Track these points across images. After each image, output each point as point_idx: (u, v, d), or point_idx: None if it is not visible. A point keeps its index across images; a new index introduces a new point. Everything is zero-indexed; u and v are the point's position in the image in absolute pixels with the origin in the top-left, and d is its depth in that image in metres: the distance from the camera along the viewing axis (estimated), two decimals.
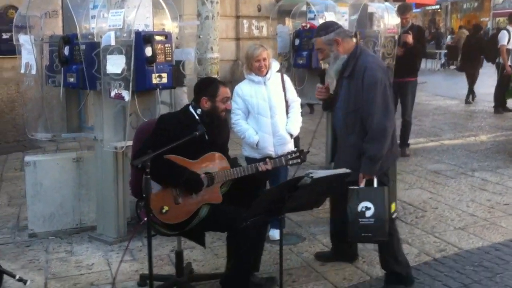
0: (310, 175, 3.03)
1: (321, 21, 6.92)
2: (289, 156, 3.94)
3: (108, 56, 4.56)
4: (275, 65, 5.03)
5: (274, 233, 4.99)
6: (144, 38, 4.54)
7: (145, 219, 3.49)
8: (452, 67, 22.19)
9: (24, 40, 5.30)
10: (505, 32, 11.36)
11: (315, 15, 7.10)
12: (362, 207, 3.78)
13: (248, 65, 5.00)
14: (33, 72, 5.34)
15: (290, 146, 4.99)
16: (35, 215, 5.32)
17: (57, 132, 5.48)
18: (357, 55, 3.93)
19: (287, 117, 5.01)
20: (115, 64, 4.52)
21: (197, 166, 3.74)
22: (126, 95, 4.52)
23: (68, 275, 4.50)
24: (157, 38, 4.64)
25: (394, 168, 5.30)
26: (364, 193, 3.82)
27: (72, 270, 4.59)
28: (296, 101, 5.10)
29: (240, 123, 4.96)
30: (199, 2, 6.22)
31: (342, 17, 7.23)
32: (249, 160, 4.92)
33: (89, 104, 5.28)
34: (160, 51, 4.66)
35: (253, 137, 4.91)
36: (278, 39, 7.42)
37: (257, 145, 4.92)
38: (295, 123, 5.04)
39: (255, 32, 13.17)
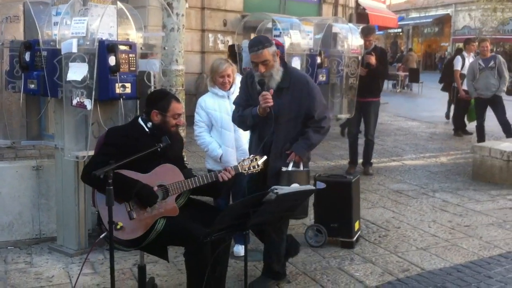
0: (275, 191, 3.02)
1: (286, 38, 7.01)
2: (247, 162, 3.89)
3: (70, 64, 4.47)
4: (239, 79, 5.01)
5: (239, 249, 4.96)
6: (108, 47, 4.48)
7: (105, 233, 3.41)
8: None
9: None
10: (459, 57, 11.70)
11: (280, 33, 7.15)
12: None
13: (213, 78, 5.00)
14: None
15: None
16: None
17: (17, 139, 5.33)
18: (288, 68, 4.28)
19: None
20: (77, 72, 4.43)
21: (149, 179, 3.67)
22: (88, 104, 4.43)
23: (28, 287, 4.36)
24: (121, 47, 4.60)
25: (358, 186, 5.39)
26: (294, 175, 4.08)
27: (32, 282, 4.45)
28: None
29: (203, 136, 4.94)
30: (164, 13, 6.18)
31: (307, 35, 7.30)
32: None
33: (50, 112, 5.15)
34: (124, 61, 4.61)
35: (217, 150, 4.90)
36: (243, 54, 7.42)
37: (220, 158, 4.91)
38: None
39: (220, 46, 13.21)
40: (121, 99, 4.60)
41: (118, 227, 3.50)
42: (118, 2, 4.90)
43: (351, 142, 8.33)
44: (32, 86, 4.85)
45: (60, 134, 4.81)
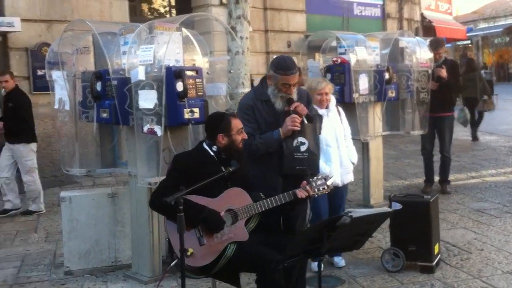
0: (349, 214, 2.89)
1: (352, 55, 6.86)
2: (318, 182, 3.79)
3: (140, 91, 4.53)
4: (333, 98, 5.19)
5: (315, 265, 4.83)
6: (175, 73, 4.52)
7: (175, 260, 3.37)
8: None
9: (57, 76, 5.33)
10: None
11: (345, 50, 7.01)
12: (297, 142, 4.09)
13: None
14: (67, 107, 5.36)
15: (351, 176, 5.21)
16: (71, 252, 5.28)
17: (92, 168, 5.43)
18: None
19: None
20: (147, 99, 4.49)
21: (218, 204, 3.61)
22: (159, 130, 4.46)
23: None
24: (188, 73, 4.62)
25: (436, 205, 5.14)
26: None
27: None
28: (349, 132, 5.30)
29: None
30: (229, 38, 6.21)
31: (373, 51, 7.13)
32: None
33: (123, 139, 5.24)
34: (191, 86, 4.64)
35: (324, 168, 4.86)
36: (309, 74, 7.35)
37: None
38: (354, 152, 5.26)
39: None
40: (190, 124, 4.61)
41: (189, 253, 3.45)
42: (183, 29, 4.96)
43: (426, 159, 8.02)
44: (105, 115, 4.95)
45: (133, 161, 4.87)
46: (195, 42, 5.10)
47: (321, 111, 4.91)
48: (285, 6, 13.34)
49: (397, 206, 4.97)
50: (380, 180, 7.46)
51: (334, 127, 5.05)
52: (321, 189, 3.71)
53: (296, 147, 4.09)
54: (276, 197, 3.67)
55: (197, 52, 5.11)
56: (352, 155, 5.23)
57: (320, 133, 4.39)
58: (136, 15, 12.03)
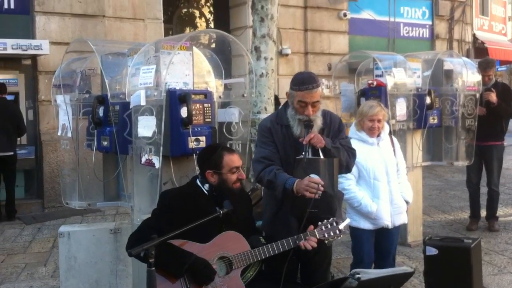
0: (357, 276, 2.29)
1: (389, 78, 6.25)
2: (328, 227, 3.21)
3: (140, 118, 4.06)
4: (387, 125, 4.55)
5: None
6: (180, 97, 4.02)
7: None
8: None
9: (60, 101, 4.94)
10: None
11: (382, 72, 6.40)
12: None
13: (360, 122, 4.47)
14: (69, 134, 4.94)
15: (404, 217, 4.54)
16: None
17: (93, 200, 4.99)
18: (323, 110, 3.77)
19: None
20: (147, 127, 4.01)
21: (209, 251, 3.11)
22: (157, 162, 3.96)
23: None
24: (195, 97, 4.11)
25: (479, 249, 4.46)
26: (311, 163, 3.46)
27: None
28: (403, 166, 4.64)
29: (352, 189, 4.36)
30: (253, 58, 5.70)
31: (414, 73, 6.49)
32: (358, 231, 4.38)
33: (128, 170, 4.77)
34: (198, 112, 4.13)
35: (371, 206, 4.30)
36: (342, 98, 6.77)
37: (373, 215, 4.33)
38: (409, 189, 4.60)
39: (326, 91, 12.61)
40: (195, 154, 4.09)
41: None
42: (195, 48, 4.48)
43: (472, 193, 7.28)
44: (105, 143, 4.51)
45: (133, 195, 4.39)
46: (207, 63, 4.62)
47: (371, 140, 4.37)
48: (327, 27, 12.83)
49: (432, 251, 4.35)
50: (419, 216, 6.76)
51: (385, 159, 4.41)
52: (331, 234, 3.14)
53: None
54: (279, 243, 3.14)
55: (210, 73, 4.62)
56: (406, 192, 4.60)
57: (344, 169, 3.75)
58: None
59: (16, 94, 9.18)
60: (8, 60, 9.10)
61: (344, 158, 3.65)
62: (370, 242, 4.38)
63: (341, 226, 3.20)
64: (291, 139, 3.66)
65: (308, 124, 3.55)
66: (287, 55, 12.23)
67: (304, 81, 3.57)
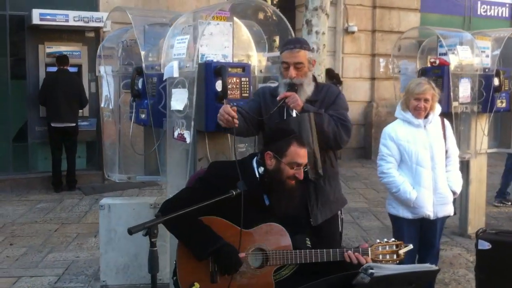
0: (370, 271, 2.02)
1: (453, 56, 5.79)
2: (386, 248, 2.90)
3: (173, 90, 3.91)
4: (438, 106, 4.13)
5: None
6: (215, 70, 3.82)
7: None
8: None
9: (104, 72, 4.87)
10: None
11: (447, 50, 5.94)
12: None
13: (406, 101, 4.10)
14: (111, 106, 4.88)
15: (450, 208, 4.15)
16: (108, 265, 4.83)
17: (133, 174, 4.93)
18: (320, 83, 3.61)
19: (446, 171, 4.13)
20: (179, 100, 3.85)
21: (248, 238, 2.86)
22: (188, 137, 3.80)
23: None
24: (231, 70, 3.90)
25: None
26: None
27: None
28: (455, 153, 4.21)
29: (392, 173, 4.05)
30: (304, 31, 5.42)
31: (482, 52, 5.99)
32: (398, 220, 4.10)
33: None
34: (234, 86, 3.92)
35: (410, 193, 3.98)
36: (401, 77, 6.36)
37: (413, 203, 4.01)
38: (457, 178, 4.16)
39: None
40: (224, 131, 3.90)
41: None
42: (235, 19, 4.27)
43: None
44: (143, 116, 4.41)
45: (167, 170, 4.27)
46: (249, 35, 4.40)
47: (417, 122, 4.01)
48: (397, 3, 12.24)
49: (485, 245, 3.97)
50: (481, 206, 6.31)
51: (432, 143, 4.02)
52: (387, 257, 2.81)
53: None
54: (324, 251, 2.83)
55: (252, 46, 4.40)
56: (454, 181, 4.14)
57: (322, 127, 3.33)
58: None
59: (79, 66, 9.29)
60: (72, 32, 9.23)
61: (329, 128, 3.30)
62: (411, 231, 4.04)
63: (402, 251, 2.86)
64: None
65: (290, 85, 3.34)
66: (353, 32, 11.77)
67: (287, 42, 3.46)
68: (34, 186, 8.92)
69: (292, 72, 3.32)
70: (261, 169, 3.00)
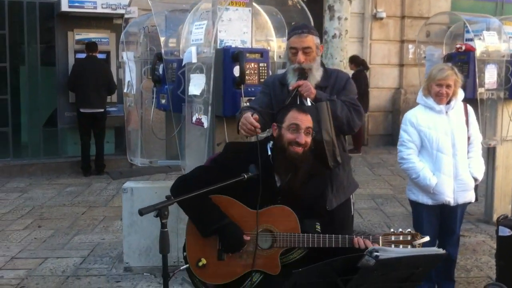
0: (375, 253, 2.02)
1: (479, 42, 5.69)
2: (400, 238, 2.83)
3: (192, 75, 3.96)
4: (461, 92, 4.08)
5: None
6: (233, 56, 3.85)
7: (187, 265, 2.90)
8: None
9: (126, 57, 4.94)
10: None
11: (473, 36, 5.84)
12: None
13: (428, 86, 4.05)
14: (133, 92, 4.96)
15: (471, 195, 4.10)
16: (131, 247, 4.92)
17: (154, 158, 5.00)
18: (328, 69, 3.59)
19: (468, 157, 4.08)
20: (197, 85, 3.90)
21: (254, 219, 2.86)
22: (205, 121, 3.85)
23: None
24: (249, 55, 3.93)
25: None
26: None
27: None
28: (478, 139, 4.16)
29: (412, 160, 4.03)
30: (326, 17, 5.39)
31: (510, 38, 5.87)
32: (417, 206, 4.08)
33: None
34: (252, 71, 3.96)
35: (430, 179, 3.96)
36: (426, 63, 6.28)
37: (432, 189, 3.99)
38: (479, 164, 4.11)
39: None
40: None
41: (200, 264, 2.87)
42: (254, 4, 4.28)
43: None
44: (163, 101, 4.48)
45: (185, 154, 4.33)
46: (268, 21, 4.41)
47: (438, 108, 3.97)
48: None
49: (506, 231, 3.93)
50: (508, 193, 6.21)
51: (453, 130, 3.97)
52: (400, 247, 2.73)
53: None
54: (333, 236, 2.81)
55: (271, 32, 4.41)
56: (475, 168, 4.07)
57: (335, 113, 3.28)
58: None
59: (108, 53, 9.42)
60: (101, 19, 9.35)
61: (343, 114, 3.27)
62: (430, 218, 4.02)
63: (419, 242, 2.76)
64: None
65: (301, 73, 3.30)
66: (381, 18, 11.63)
67: (295, 28, 3.42)
68: (63, 170, 9.12)
69: (301, 57, 3.31)
70: (271, 143, 3.02)
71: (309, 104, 3.25)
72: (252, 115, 3.08)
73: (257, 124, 3.03)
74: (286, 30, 4.55)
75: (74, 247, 5.60)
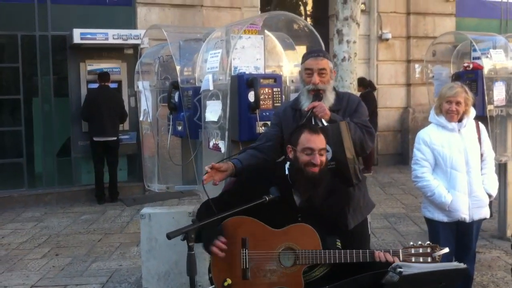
0: (398, 269, 2.09)
1: (486, 60, 5.79)
2: (420, 250, 2.88)
3: (208, 102, 4.07)
4: (473, 111, 4.17)
5: None
6: (247, 82, 3.97)
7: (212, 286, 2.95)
8: None
9: (141, 87, 5.07)
10: None
11: (480, 54, 5.94)
12: None
13: (439, 105, 4.16)
14: (149, 119, 5.07)
15: (486, 211, 4.17)
16: (149, 273, 4.97)
17: (171, 184, 5.09)
18: (340, 92, 3.68)
19: (482, 174, 4.16)
20: (213, 111, 4.01)
21: (278, 237, 2.95)
22: (223, 146, 3.95)
23: None
24: (264, 81, 4.05)
25: None
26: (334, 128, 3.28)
27: None
28: (490, 156, 4.23)
29: (426, 177, 4.11)
30: (335, 40, 5.51)
31: None
32: (434, 223, 4.15)
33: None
34: (266, 96, 4.06)
35: (445, 196, 4.04)
36: (435, 82, 6.38)
37: (448, 206, 4.06)
38: (493, 181, 4.18)
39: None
40: None
41: (226, 284, 2.92)
42: (267, 31, 4.41)
43: None
44: (179, 128, 4.58)
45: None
46: (280, 47, 4.53)
47: (451, 126, 4.05)
48: (432, 9, 12.18)
49: None
50: None
51: (466, 147, 4.05)
52: (420, 260, 2.78)
53: None
54: (354, 252, 2.87)
55: (283, 58, 4.54)
56: (489, 184, 4.15)
57: (358, 148, 3.38)
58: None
59: (119, 82, 9.57)
60: (112, 50, 9.53)
61: (356, 136, 3.35)
62: (447, 235, 4.07)
63: (438, 254, 2.82)
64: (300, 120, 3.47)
65: (316, 94, 3.39)
66: (387, 39, 11.77)
67: (311, 51, 3.55)
68: (78, 199, 9.22)
69: (316, 78, 3.41)
70: (288, 164, 3.12)
71: (325, 124, 3.33)
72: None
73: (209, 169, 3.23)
74: (298, 55, 4.68)
75: (93, 274, 5.67)
